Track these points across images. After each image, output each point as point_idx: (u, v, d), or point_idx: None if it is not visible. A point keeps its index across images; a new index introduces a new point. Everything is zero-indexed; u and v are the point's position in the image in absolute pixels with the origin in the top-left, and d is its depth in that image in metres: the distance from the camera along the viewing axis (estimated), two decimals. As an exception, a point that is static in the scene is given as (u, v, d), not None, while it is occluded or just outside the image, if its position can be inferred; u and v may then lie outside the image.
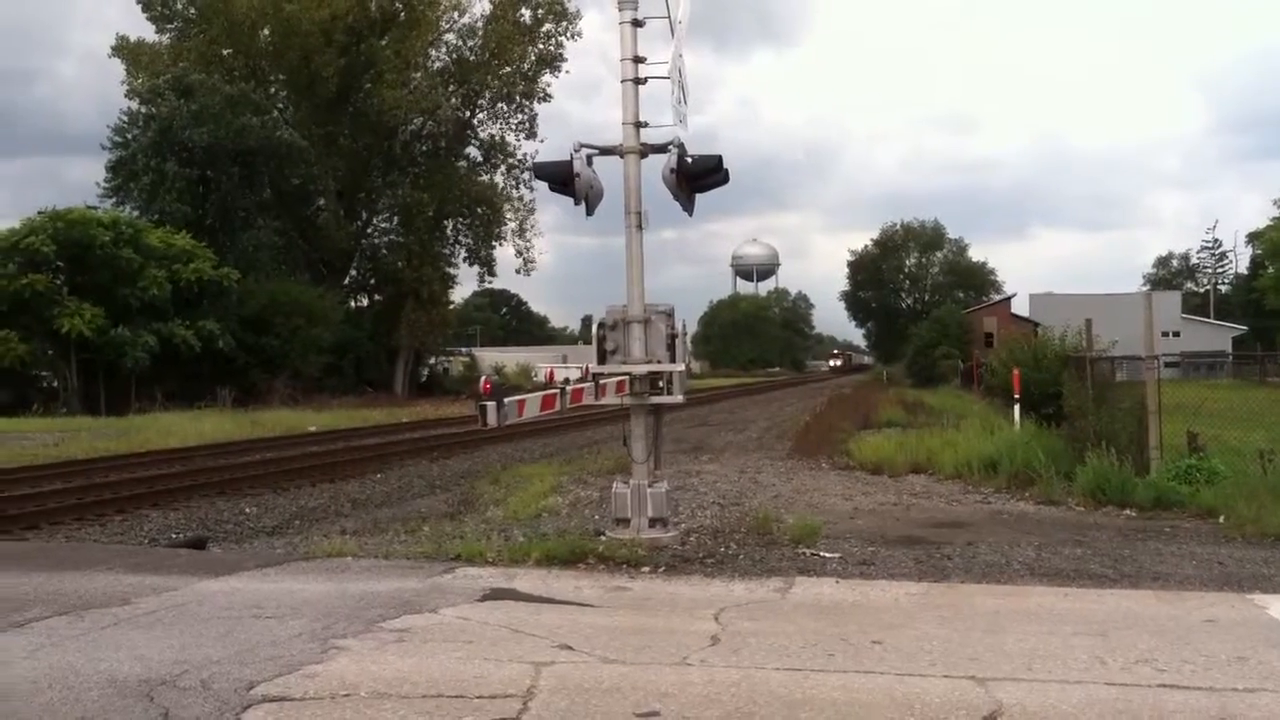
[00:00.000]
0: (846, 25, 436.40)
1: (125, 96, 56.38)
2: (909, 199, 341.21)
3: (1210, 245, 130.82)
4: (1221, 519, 12.57)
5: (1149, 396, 14.83)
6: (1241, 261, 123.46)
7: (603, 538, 11.21)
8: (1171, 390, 17.16)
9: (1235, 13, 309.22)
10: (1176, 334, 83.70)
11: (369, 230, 67.17)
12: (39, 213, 43.89)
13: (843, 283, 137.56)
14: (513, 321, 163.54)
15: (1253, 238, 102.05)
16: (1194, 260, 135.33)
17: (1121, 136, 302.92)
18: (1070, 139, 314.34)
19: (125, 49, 60.39)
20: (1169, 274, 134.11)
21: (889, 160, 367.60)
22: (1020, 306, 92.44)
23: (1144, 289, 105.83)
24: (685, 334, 12.05)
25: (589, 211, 11.72)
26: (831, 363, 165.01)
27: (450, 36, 64.67)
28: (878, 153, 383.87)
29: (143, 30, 61.89)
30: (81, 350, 42.29)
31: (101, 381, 43.13)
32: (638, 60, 11.47)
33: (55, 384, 44.81)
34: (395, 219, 66.07)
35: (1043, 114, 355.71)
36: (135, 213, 49.56)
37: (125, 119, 52.85)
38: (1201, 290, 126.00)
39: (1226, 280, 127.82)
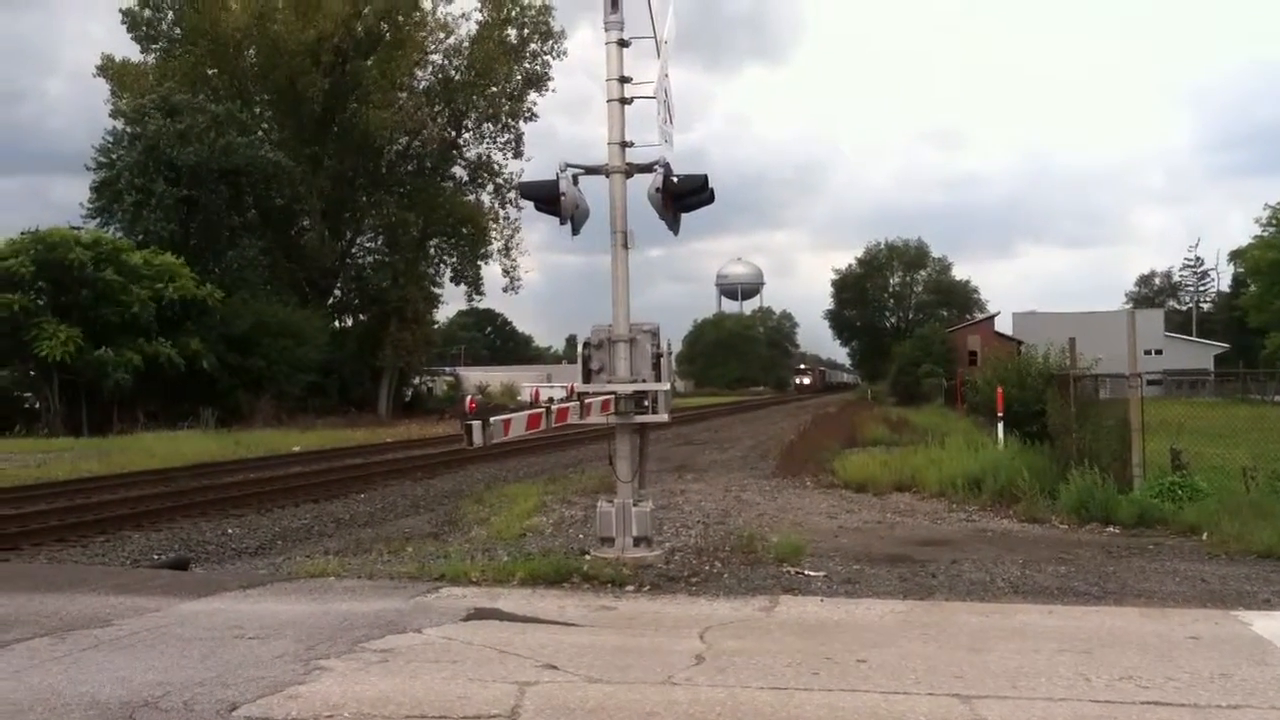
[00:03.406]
0: (838, 41, 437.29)
1: (110, 116, 56.33)
2: (897, 217, 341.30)
3: (1192, 263, 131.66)
4: (1205, 536, 12.62)
5: (1132, 414, 14.90)
6: (1224, 280, 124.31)
7: (587, 557, 11.20)
8: (1154, 408, 17.24)
9: (1223, 27, 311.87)
10: (1159, 352, 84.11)
11: (354, 250, 67.08)
12: (21, 234, 43.78)
13: (828, 301, 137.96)
14: (497, 341, 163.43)
15: (1235, 256, 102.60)
16: (1176, 278, 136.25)
17: (1108, 152, 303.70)
18: (1057, 155, 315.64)
19: (111, 69, 60.35)
20: (1151, 292, 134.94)
21: (879, 178, 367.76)
22: (1004, 325, 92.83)
23: (1127, 307, 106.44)
24: (670, 353, 12.05)
25: (574, 231, 11.74)
26: (798, 380, 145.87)
27: (436, 57, 64.76)
28: (867, 170, 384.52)
29: (128, 50, 61.97)
30: (63, 371, 42.09)
31: (84, 402, 42.87)
32: (624, 80, 11.50)
33: (37, 405, 44.57)
34: (380, 238, 66.06)
35: (1031, 129, 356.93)
36: (119, 233, 49.40)
37: (110, 139, 52.76)
38: (1184, 308, 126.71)
39: (1209, 298, 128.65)
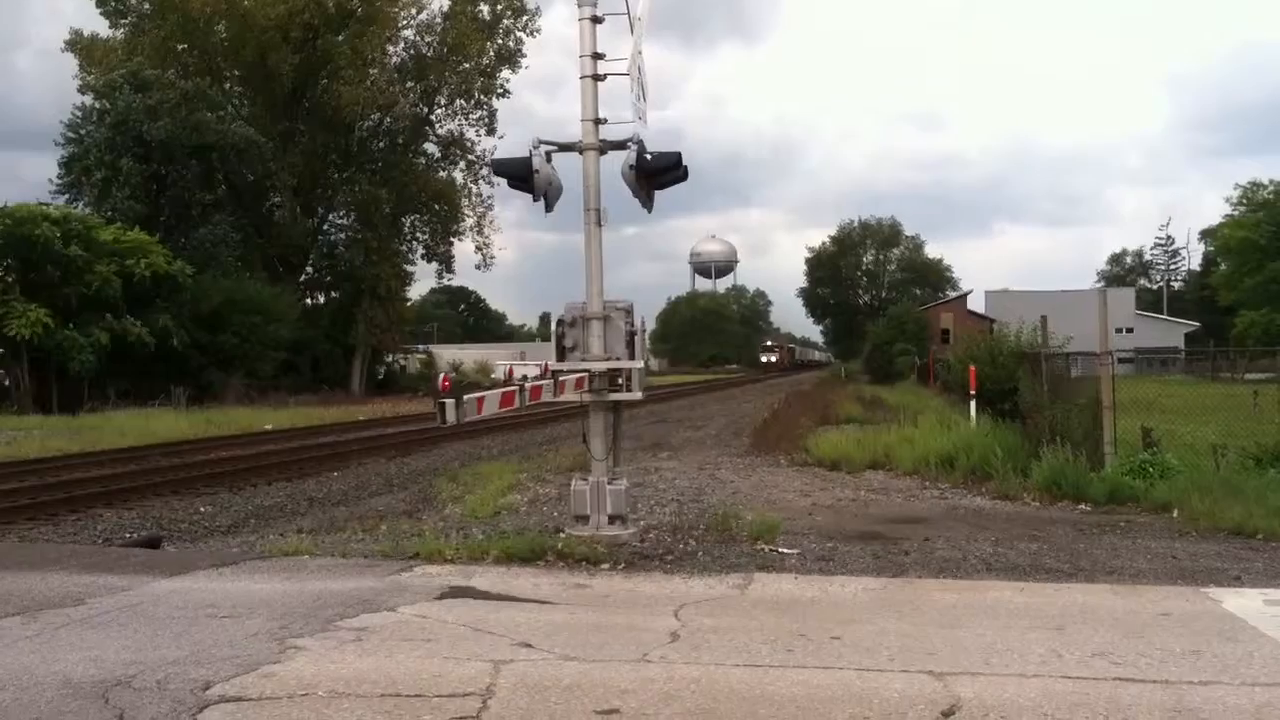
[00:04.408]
0: (816, 20, 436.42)
1: (79, 91, 55.73)
2: (874, 196, 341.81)
3: (1163, 242, 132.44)
4: (1176, 513, 12.71)
5: (1103, 392, 14.98)
6: (1194, 258, 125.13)
7: (562, 535, 11.19)
8: (1125, 386, 17.35)
9: (1204, 10, 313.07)
10: (1130, 330, 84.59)
11: (326, 227, 66.73)
12: (-12, 210, 43.25)
13: (802, 280, 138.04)
14: (470, 319, 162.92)
15: (1205, 235, 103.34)
16: (1148, 257, 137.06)
17: (1086, 132, 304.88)
18: (1037, 135, 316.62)
19: (79, 44, 59.60)
20: (1123, 271, 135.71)
21: (855, 157, 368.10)
22: (977, 303, 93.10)
23: (1099, 286, 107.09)
24: (644, 331, 12.05)
25: (548, 208, 11.71)
26: (765, 358, 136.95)
27: (408, 33, 64.33)
28: (844, 149, 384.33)
29: (97, 25, 61.26)
30: (32, 350, 41.72)
31: (53, 381, 42.55)
32: (597, 57, 11.44)
33: (7, 383, 44.19)
34: (352, 215, 65.62)
35: (1010, 109, 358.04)
36: (88, 210, 48.87)
37: (79, 115, 52.19)
38: (1155, 287, 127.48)
39: (1179, 277, 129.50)
